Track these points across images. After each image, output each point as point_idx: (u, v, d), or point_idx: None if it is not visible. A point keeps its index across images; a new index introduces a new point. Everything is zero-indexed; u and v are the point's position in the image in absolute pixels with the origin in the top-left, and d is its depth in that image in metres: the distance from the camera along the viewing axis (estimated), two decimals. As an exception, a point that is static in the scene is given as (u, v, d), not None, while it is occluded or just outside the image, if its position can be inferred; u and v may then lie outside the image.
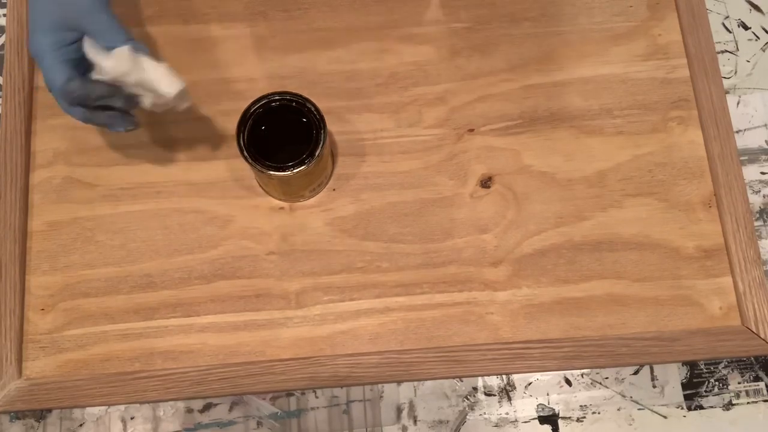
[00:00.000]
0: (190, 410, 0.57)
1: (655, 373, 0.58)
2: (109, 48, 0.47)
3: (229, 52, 0.63)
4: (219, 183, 0.60)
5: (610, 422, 0.56)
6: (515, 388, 0.57)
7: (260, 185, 0.60)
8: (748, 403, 0.57)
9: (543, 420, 0.57)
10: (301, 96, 0.54)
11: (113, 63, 0.46)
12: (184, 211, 0.60)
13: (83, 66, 0.47)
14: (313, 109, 0.54)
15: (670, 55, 0.63)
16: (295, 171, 0.53)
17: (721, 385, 0.58)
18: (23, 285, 0.58)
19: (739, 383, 0.58)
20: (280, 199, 0.60)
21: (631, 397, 0.57)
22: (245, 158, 0.53)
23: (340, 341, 0.57)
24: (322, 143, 0.53)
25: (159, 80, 0.48)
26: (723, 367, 0.58)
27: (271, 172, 0.53)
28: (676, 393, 0.57)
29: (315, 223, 0.59)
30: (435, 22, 0.64)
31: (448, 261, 0.58)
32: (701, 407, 0.57)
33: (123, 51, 0.46)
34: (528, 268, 0.58)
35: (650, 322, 0.57)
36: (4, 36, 0.64)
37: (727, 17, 0.67)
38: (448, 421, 0.56)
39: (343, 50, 0.63)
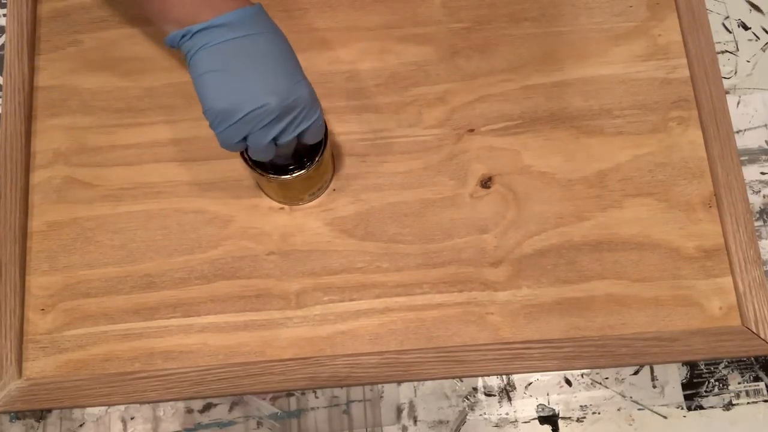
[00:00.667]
0: (190, 410, 0.57)
1: (655, 374, 0.58)
2: None
3: (229, 52, 0.63)
4: (219, 183, 0.60)
5: (610, 422, 0.56)
6: (515, 388, 0.57)
7: (260, 187, 0.60)
8: (748, 403, 0.57)
9: (543, 420, 0.57)
10: None
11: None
12: (184, 211, 0.60)
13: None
14: None
15: (670, 55, 0.63)
16: (294, 175, 0.53)
17: (721, 385, 0.57)
18: (23, 285, 0.58)
19: (739, 383, 0.58)
20: (278, 201, 0.60)
21: (631, 397, 0.57)
22: (245, 160, 0.53)
23: (340, 341, 0.57)
24: (323, 148, 0.53)
25: None
26: (723, 368, 0.58)
27: (271, 176, 0.53)
28: (676, 393, 0.57)
29: (315, 224, 0.59)
30: (435, 22, 0.64)
31: (448, 261, 0.58)
32: (701, 407, 0.57)
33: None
34: (528, 269, 0.58)
35: (650, 322, 0.57)
36: (4, 36, 0.64)
37: (727, 17, 0.67)
38: (448, 421, 0.56)
39: (343, 50, 0.63)
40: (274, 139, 0.48)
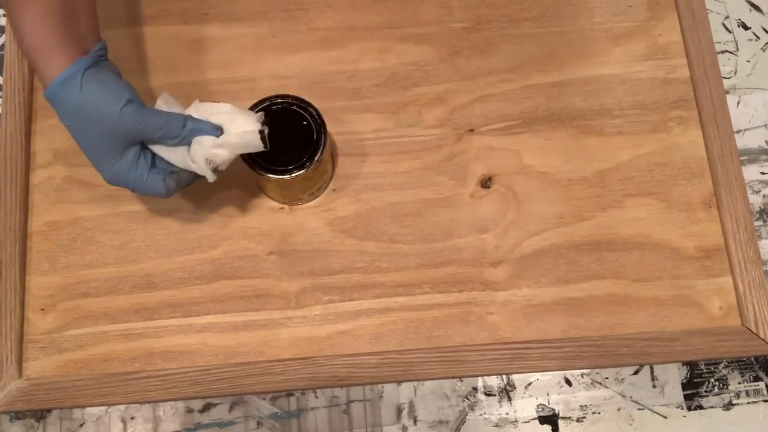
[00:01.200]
0: (190, 410, 0.57)
1: (655, 373, 0.58)
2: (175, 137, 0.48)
3: (229, 52, 0.63)
4: (219, 183, 0.60)
5: (610, 422, 0.56)
6: (515, 388, 0.57)
7: (259, 187, 0.60)
8: (748, 403, 0.57)
9: (543, 420, 0.57)
10: (303, 100, 0.54)
11: (197, 149, 0.48)
12: (184, 211, 0.60)
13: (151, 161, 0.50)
14: (314, 113, 0.54)
15: (670, 55, 0.63)
16: (293, 175, 0.53)
17: (721, 385, 0.58)
18: (23, 285, 0.58)
19: (739, 383, 0.58)
20: (277, 201, 0.60)
21: (631, 397, 0.57)
22: (243, 160, 0.53)
23: (340, 341, 0.57)
24: (322, 148, 0.53)
25: (243, 122, 0.49)
26: (723, 367, 0.58)
27: (270, 176, 0.53)
28: (676, 393, 0.57)
29: (315, 224, 0.59)
30: (435, 22, 0.64)
31: (448, 261, 0.58)
32: (701, 407, 0.57)
33: (204, 139, 0.48)
34: (528, 269, 0.58)
35: (650, 322, 0.57)
36: (4, 36, 0.64)
37: (727, 17, 0.67)
38: (448, 421, 0.56)
39: (343, 50, 0.63)
40: None
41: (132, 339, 0.57)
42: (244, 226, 0.59)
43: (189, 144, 0.48)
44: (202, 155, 0.48)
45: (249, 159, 0.52)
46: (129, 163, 0.48)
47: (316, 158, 0.53)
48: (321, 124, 0.54)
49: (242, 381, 0.55)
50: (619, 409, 0.57)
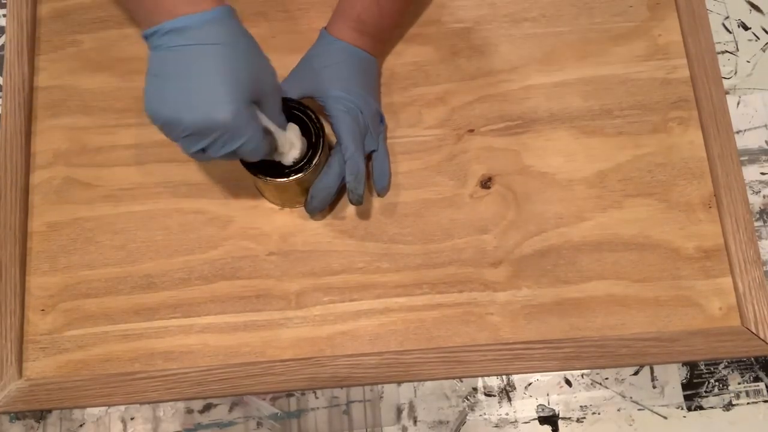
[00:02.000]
0: (190, 411, 0.57)
1: (655, 374, 0.58)
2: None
3: (229, 52, 0.63)
4: (219, 183, 0.60)
5: (610, 423, 0.56)
6: (515, 388, 0.57)
7: (258, 189, 0.60)
8: (748, 403, 0.57)
9: (543, 420, 0.57)
10: (301, 103, 0.54)
11: (292, 135, 0.52)
12: (185, 212, 0.60)
13: None
14: (313, 116, 0.54)
15: (670, 55, 0.63)
16: (291, 178, 0.53)
17: (721, 385, 0.58)
18: (23, 285, 0.58)
19: (739, 384, 0.58)
20: (276, 204, 0.60)
21: (631, 397, 0.57)
22: (242, 163, 0.52)
23: (340, 342, 0.57)
24: (320, 151, 0.53)
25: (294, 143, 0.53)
26: (723, 368, 0.58)
27: (268, 178, 0.53)
28: (676, 393, 0.57)
29: (315, 224, 0.59)
30: (435, 22, 0.64)
31: (448, 261, 0.58)
32: (701, 408, 0.57)
33: (294, 127, 0.52)
34: (528, 269, 0.58)
35: (650, 322, 0.57)
36: (4, 36, 0.64)
37: (727, 17, 0.67)
38: (448, 422, 0.56)
39: (343, 50, 0.63)
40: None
41: (132, 339, 0.57)
42: (244, 226, 0.59)
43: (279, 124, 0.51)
44: (297, 136, 0.52)
45: (247, 162, 0.52)
46: (253, 112, 0.47)
47: (314, 161, 0.53)
48: (320, 128, 0.54)
49: (243, 381, 0.55)
50: (619, 410, 0.57)
